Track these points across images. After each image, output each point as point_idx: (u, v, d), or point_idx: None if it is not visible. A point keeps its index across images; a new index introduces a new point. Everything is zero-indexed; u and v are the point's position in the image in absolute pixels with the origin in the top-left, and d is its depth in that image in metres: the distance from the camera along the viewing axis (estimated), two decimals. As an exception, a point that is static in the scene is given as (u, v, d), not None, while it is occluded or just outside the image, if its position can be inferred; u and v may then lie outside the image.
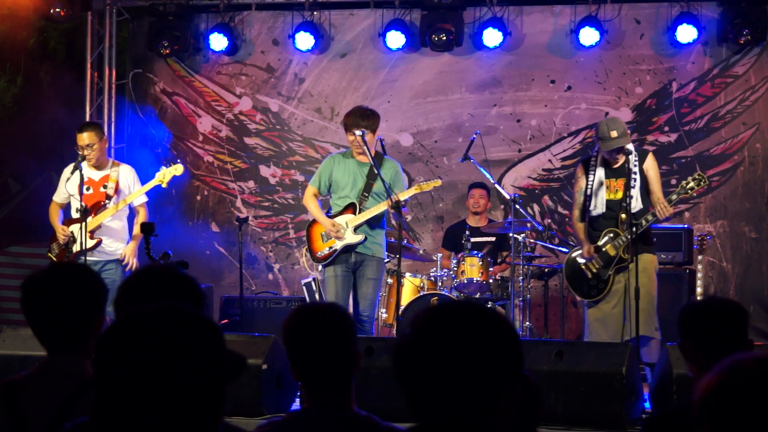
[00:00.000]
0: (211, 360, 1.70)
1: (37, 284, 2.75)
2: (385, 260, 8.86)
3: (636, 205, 7.08)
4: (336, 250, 7.43)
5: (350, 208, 7.47)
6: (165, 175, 7.82)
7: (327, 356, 2.76)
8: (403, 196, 7.41)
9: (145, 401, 1.63)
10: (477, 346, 1.81)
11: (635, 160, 7.12)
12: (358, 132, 7.43)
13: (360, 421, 2.70)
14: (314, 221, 7.65)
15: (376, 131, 7.51)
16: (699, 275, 8.44)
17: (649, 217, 7.03)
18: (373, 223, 7.46)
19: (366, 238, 7.38)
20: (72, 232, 7.73)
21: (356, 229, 7.41)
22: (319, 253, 7.53)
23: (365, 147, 7.41)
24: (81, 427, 2.29)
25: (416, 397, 1.84)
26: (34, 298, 2.74)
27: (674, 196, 7.00)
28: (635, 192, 7.08)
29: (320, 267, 7.63)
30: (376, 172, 7.36)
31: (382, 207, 7.38)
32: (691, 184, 6.96)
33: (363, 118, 7.44)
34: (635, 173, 7.10)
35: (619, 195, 7.09)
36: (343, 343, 2.80)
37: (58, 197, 7.97)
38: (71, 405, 2.58)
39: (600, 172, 7.22)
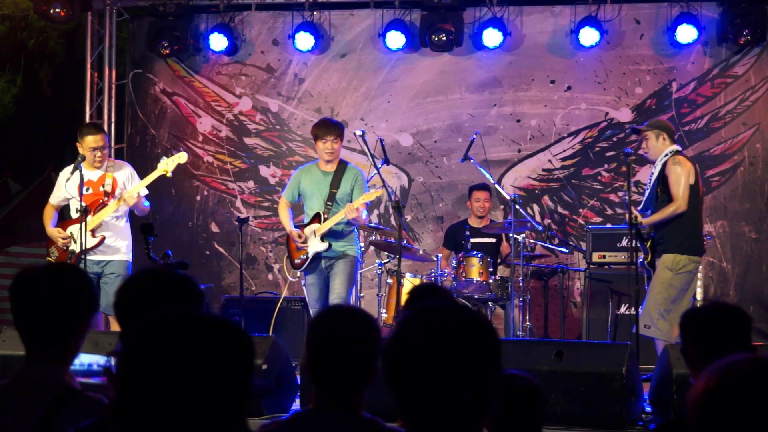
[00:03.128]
0: (240, 370, 1.68)
1: (26, 283, 2.69)
2: (384, 261, 8.92)
3: (643, 209, 7.30)
4: (308, 257, 7.82)
5: (317, 217, 7.82)
6: (168, 164, 7.76)
7: (350, 362, 2.72)
8: (354, 204, 7.64)
9: (168, 405, 1.62)
10: (458, 346, 1.86)
11: (658, 163, 7.26)
12: (358, 132, 7.76)
13: (366, 424, 2.69)
14: None
15: (342, 140, 7.86)
16: (699, 275, 8.43)
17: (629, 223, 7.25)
18: (338, 228, 7.74)
19: (330, 246, 7.73)
20: (72, 233, 7.67)
21: (323, 237, 7.74)
22: (296, 260, 7.93)
23: (366, 147, 7.61)
24: (90, 429, 2.28)
25: (402, 397, 1.86)
26: (21, 296, 2.68)
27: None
28: (644, 199, 7.30)
29: (299, 273, 7.99)
30: (339, 179, 7.75)
31: (339, 216, 7.66)
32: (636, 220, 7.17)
33: (333, 127, 7.78)
34: (651, 175, 7.27)
35: (642, 205, 7.35)
36: (369, 353, 2.75)
37: (54, 199, 7.88)
38: (53, 415, 2.53)
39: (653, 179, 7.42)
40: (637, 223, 7.07)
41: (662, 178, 7.18)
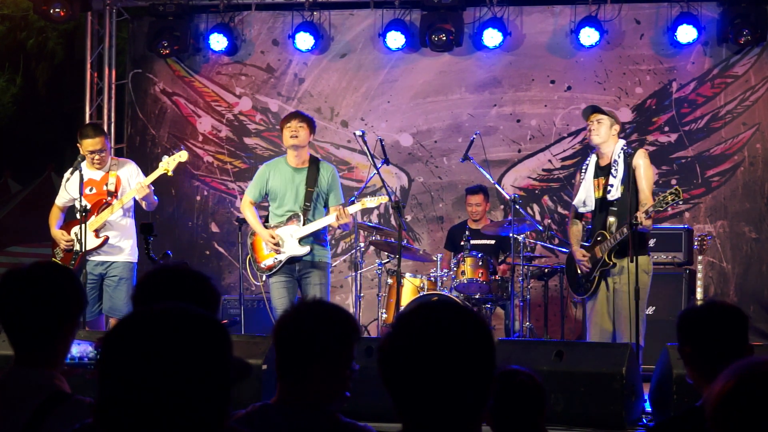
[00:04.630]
0: (218, 362, 1.68)
1: (11, 283, 2.63)
2: (384, 261, 8.92)
3: (615, 194, 7.01)
4: (281, 261, 7.40)
5: (294, 219, 7.44)
6: (169, 163, 7.68)
7: (311, 358, 2.71)
8: (352, 210, 7.46)
9: (149, 402, 1.62)
10: (455, 343, 1.87)
11: (620, 153, 7.05)
12: (358, 132, 7.63)
13: (323, 417, 2.69)
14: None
15: (311, 134, 7.48)
16: (699, 275, 8.43)
17: (629, 226, 6.94)
18: (317, 231, 7.44)
19: (312, 249, 7.38)
20: (76, 235, 7.59)
21: (301, 240, 7.38)
22: (263, 263, 7.49)
23: (365, 147, 7.54)
24: (89, 428, 2.27)
25: (400, 397, 1.86)
26: (6, 296, 2.62)
27: (650, 209, 6.91)
28: (615, 181, 7.01)
29: (263, 276, 7.60)
30: (315, 177, 7.40)
31: (328, 220, 7.39)
32: (668, 198, 6.83)
33: (296, 114, 7.48)
34: (616, 162, 7.03)
35: (614, 193, 7.06)
36: (333, 348, 2.74)
37: (59, 200, 7.84)
38: (41, 419, 2.49)
39: (590, 172, 7.22)
40: (636, 224, 6.90)
41: (629, 170, 6.98)
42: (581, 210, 7.30)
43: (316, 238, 7.44)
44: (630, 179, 6.98)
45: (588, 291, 7.16)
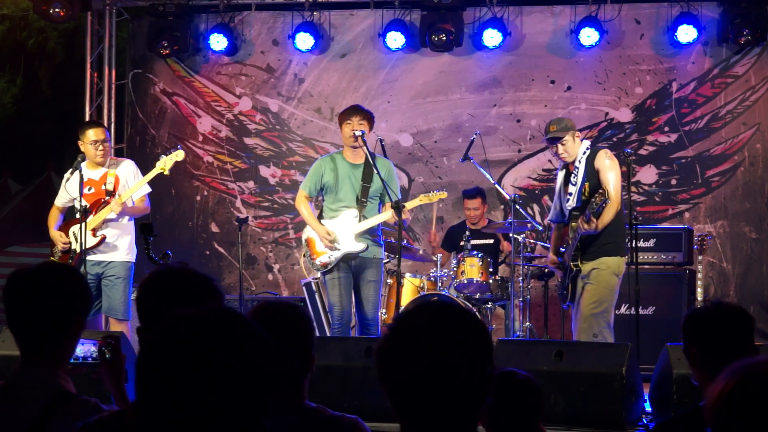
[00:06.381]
0: (261, 372, 1.67)
1: (18, 283, 2.65)
2: (384, 260, 8.91)
3: (572, 203, 6.93)
4: (337, 258, 7.36)
5: (350, 212, 7.41)
6: (166, 162, 7.68)
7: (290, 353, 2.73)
8: (410, 206, 7.45)
9: (189, 409, 1.61)
10: (450, 344, 1.87)
11: (581, 158, 6.93)
12: (358, 132, 7.51)
13: (310, 412, 2.69)
14: None
15: (370, 130, 7.46)
16: (699, 275, 8.43)
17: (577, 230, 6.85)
18: (372, 227, 7.42)
19: (368, 247, 7.33)
20: (74, 233, 7.61)
21: (357, 236, 7.35)
22: (319, 259, 7.44)
23: (365, 147, 7.49)
24: (93, 426, 2.27)
25: (398, 397, 1.87)
26: (14, 296, 2.64)
27: (588, 213, 6.72)
28: (574, 189, 6.93)
29: (318, 273, 7.57)
30: (371, 173, 7.32)
31: (384, 216, 7.34)
32: (598, 200, 6.67)
33: (359, 110, 7.41)
34: (576, 169, 6.92)
35: (571, 202, 6.97)
36: (300, 344, 2.76)
37: (59, 201, 7.87)
38: (47, 419, 2.50)
39: (560, 182, 7.17)
40: (583, 231, 6.72)
41: (590, 173, 6.87)
42: (562, 221, 7.25)
43: (371, 234, 7.40)
44: (593, 180, 6.86)
45: (567, 298, 7.14)
